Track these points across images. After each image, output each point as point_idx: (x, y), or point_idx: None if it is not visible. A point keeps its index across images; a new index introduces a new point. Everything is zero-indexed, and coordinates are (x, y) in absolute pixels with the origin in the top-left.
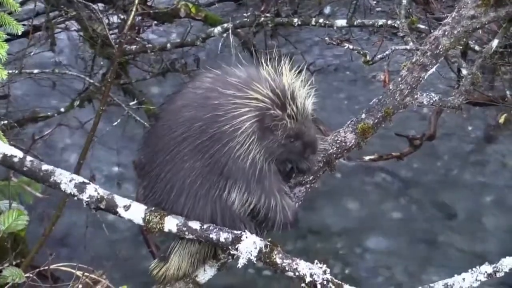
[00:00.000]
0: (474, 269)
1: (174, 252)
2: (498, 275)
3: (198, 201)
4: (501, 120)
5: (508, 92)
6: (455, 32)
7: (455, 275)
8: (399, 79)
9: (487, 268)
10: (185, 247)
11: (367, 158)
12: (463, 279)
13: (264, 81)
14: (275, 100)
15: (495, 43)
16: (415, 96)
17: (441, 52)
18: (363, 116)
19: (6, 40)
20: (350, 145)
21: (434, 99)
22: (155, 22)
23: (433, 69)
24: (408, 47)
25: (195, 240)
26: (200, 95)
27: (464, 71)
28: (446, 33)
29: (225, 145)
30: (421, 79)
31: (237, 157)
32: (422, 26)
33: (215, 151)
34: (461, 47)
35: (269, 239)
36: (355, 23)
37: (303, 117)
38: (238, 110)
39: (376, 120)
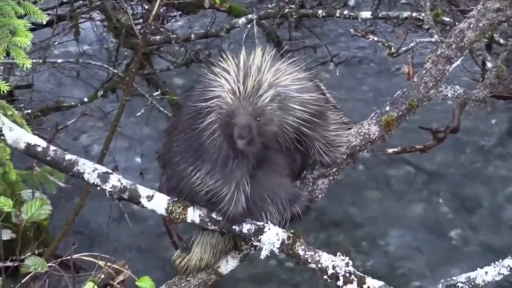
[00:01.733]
0: (497, 262)
1: (196, 243)
2: None
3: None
4: None
5: None
6: (480, 24)
7: (478, 269)
8: (424, 71)
9: (510, 262)
10: (207, 238)
11: (390, 150)
12: (486, 272)
13: (238, 65)
14: (231, 80)
15: None
16: (440, 89)
17: (466, 45)
18: (387, 108)
19: (31, 30)
20: (374, 138)
21: (458, 92)
22: (180, 12)
23: (458, 62)
24: (433, 39)
25: (217, 231)
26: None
27: (489, 64)
28: (472, 25)
29: (204, 126)
30: (445, 71)
31: (211, 139)
32: (447, 19)
33: (197, 130)
34: (486, 40)
35: (292, 231)
36: (379, 15)
37: (249, 97)
38: (212, 92)
39: (400, 113)
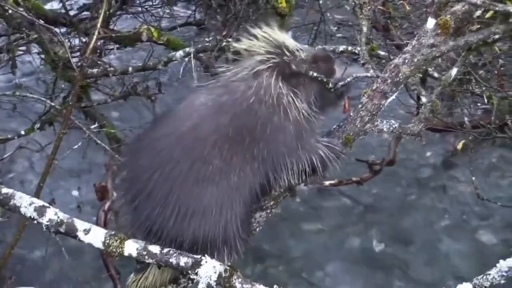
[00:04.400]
0: None
1: None
2: None
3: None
4: (459, 146)
5: (466, 119)
6: (415, 60)
7: None
8: (360, 106)
9: None
10: None
11: (327, 183)
12: None
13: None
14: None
15: (454, 71)
16: (376, 123)
17: (401, 80)
18: None
19: None
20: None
21: (394, 126)
22: (117, 45)
23: (393, 97)
24: (368, 74)
25: (154, 263)
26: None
27: (423, 99)
28: (406, 61)
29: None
30: (381, 106)
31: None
32: (382, 53)
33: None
34: (420, 75)
35: (229, 264)
36: (316, 49)
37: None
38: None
39: None
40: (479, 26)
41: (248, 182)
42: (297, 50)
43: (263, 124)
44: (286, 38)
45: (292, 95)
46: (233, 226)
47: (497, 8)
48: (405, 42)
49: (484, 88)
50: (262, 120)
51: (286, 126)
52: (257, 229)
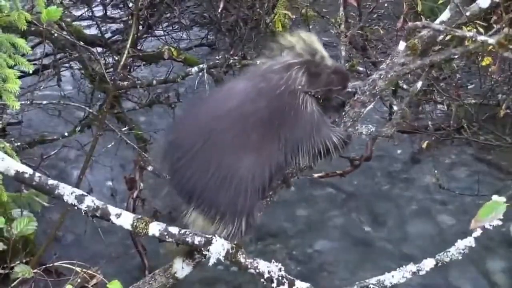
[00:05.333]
0: (401, 268)
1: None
2: (420, 273)
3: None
4: (424, 145)
5: (429, 123)
6: (389, 76)
7: (386, 273)
8: (343, 113)
9: (412, 267)
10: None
11: (316, 175)
12: (392, 276)
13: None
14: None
15: (419, 84)
16: (356, 128)
17: (377, 92)
18: None
19: (19, 77)
20: (303, 167)
21: (371, 130)
22: (144, 62)
23: (371, 106)
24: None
25: (173, 242)
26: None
27: (395, 107)
28: (382, 76)
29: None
30: (361, 113)
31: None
32: (361, 69)
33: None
34: (393, 88)
35: (235, 242)
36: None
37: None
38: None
39: None
40: (441, 47)
41: (274, 159)
42: (325, 58)
43: (288, 110)
44: (319, 45)
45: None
46: (259, 194)
47: (456, 33)
48: (380, 60)
49: (444, 97)
50: (289, 106)
51: (305, 114)
52: (258, 214)
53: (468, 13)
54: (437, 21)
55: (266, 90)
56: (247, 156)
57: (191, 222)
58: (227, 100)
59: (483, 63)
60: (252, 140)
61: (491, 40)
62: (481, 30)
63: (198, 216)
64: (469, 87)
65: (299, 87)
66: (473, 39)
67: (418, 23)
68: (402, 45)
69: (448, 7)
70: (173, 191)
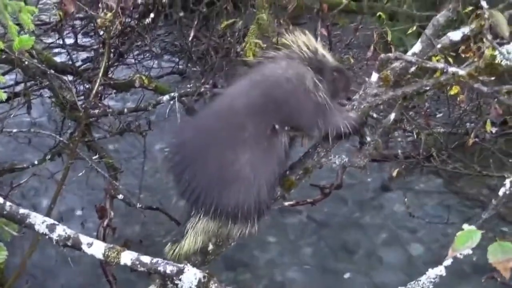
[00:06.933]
0: None
1: (192, 229)
2: None
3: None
4: (394, 173)
5: (399, 151)
6: (362, 106)
7: None
8: (317, 143)
9: None
10: (200, 225)
11: (287, 203)
12: None
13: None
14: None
15: (392, 116)
16: (330, 158)
17: None
18: (287, 173)
19: None
20: (276, 196)
21: (344, 160)
22: (115, 90)
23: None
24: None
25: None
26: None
27: (368, 138)
28: (355, 107)
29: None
30: (334, 144)
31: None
32: None
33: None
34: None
35: (207, 271)
36: None
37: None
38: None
39: (297, 176)
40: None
41: (276, 150)
42: (326, 56)
43: (287, 98)
44: (319, 45)
45: (315, 78)
46: (264, 192)
47: (427, 65)
48: (350, 89)
49: (413, 126)
50: (287, 94)
51: (306, 102)
52: (232, 243)
53: (439, 46)
54: (409, 52)
55: (260, 79)
56: (247, 150)
57: (201, 229)
58: (221, 102)
59: (451, 92)
60: (249, 132)
61: (461, 72)
62: (450, 60)
63: (209, 222)
64: (437, 115)
65: (300, 74)
66: (444, 70)
67: (390, 54)
68: (374, 76)
69: (420, 39)
70: (180, 198)
